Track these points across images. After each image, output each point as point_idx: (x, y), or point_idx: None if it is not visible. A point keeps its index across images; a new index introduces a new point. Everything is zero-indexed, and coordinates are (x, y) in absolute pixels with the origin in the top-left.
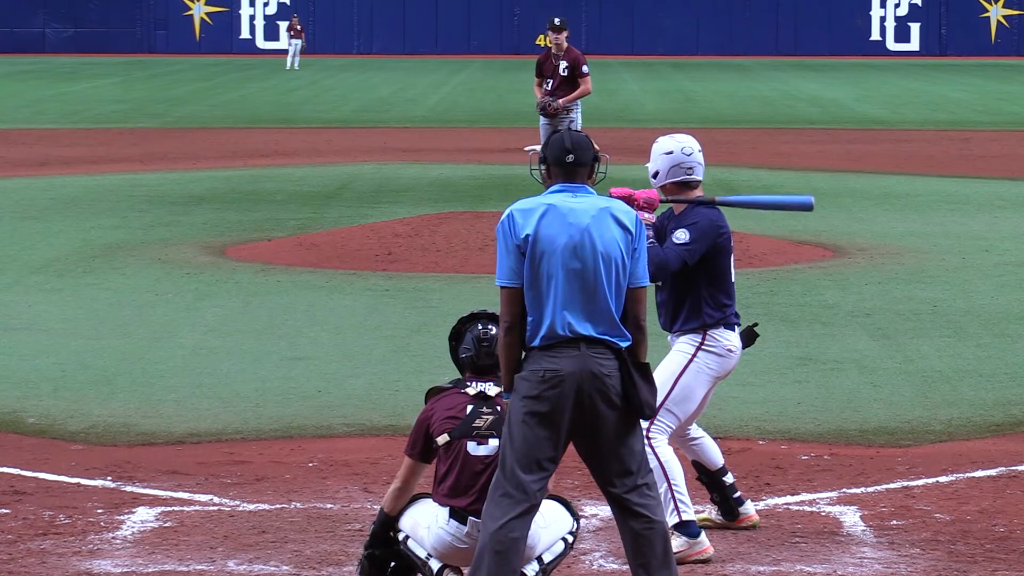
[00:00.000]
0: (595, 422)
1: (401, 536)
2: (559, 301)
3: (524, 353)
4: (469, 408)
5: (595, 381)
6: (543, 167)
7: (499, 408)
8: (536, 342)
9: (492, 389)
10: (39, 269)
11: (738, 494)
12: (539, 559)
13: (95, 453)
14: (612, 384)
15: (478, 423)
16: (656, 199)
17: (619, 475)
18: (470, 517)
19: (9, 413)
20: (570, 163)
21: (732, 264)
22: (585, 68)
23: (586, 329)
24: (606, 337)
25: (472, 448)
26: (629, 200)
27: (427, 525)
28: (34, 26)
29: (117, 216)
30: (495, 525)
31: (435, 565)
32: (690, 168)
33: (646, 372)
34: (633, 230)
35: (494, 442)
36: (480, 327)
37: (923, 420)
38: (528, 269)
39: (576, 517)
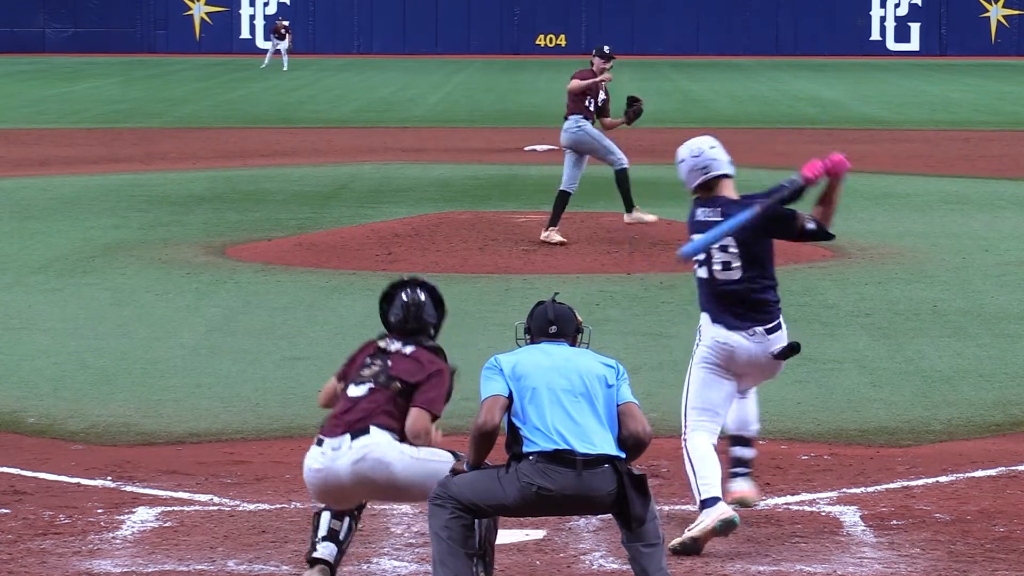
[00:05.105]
0: (578, 514)
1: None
2: (550, 415)
3: (518, 452)
4: (367, 359)
5: (587, 499)
6: (528, 336)
7: (389, 363)
8: (531, 449)
9: (394, 345)
10: (39, 269)
11: (736, 469)
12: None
13: (95, 453)
14: (605, 501)
15: (364, 371)
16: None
17: None
18: (326, 439)
19: (9, 413)
20: (552, 334)
21: (696, 266)
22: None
23: (582, 446)
24: (604, 452)
25: (350, 390)
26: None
27: None
28: (34, 26)
29: (117, 216)
30: (440, 522)
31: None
32: (704, 168)
33: (642, 485)
34: (615, 367)
35: (368, 385)
36: (410, 292)
37: (923, 420)
38: (516, 386)
39: None
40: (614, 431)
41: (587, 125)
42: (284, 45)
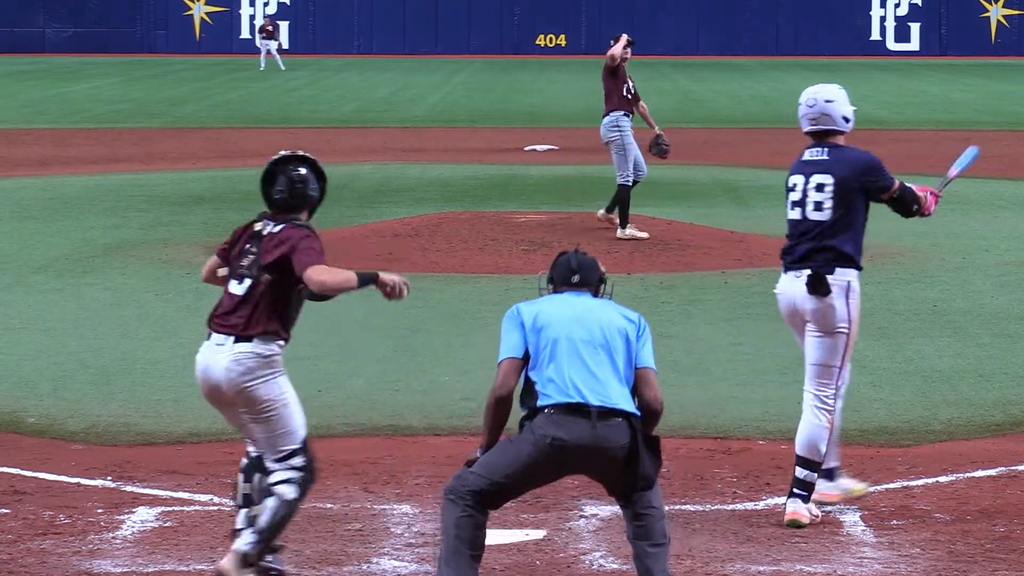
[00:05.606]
0: (592, 474)
1: None
2: (568, 366)
3: (533, 406)
4: (246, 245)
5: (601, 452)
6: (550, 286)
7: (261, 249)
8: (546, 402)
9: (267, 228)
10: (39, 269)
11: (796, 490)
12: (255, 528)
13: (95, 453)
14: (618, 455)
15: (243, 262)
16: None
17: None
18: (213, 334)
19: (9, 413)
20: (575, 283)
21: (790, 207)
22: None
23: (597, 399)
24: (618, 406)
25: (232, 286)
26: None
27: None
28: (34, 26)
29: (117, 216)
30: (452, 519)
31: None
32: (814, 119)
33: (655, 446)
34: (636, 322)
35: (247, 281)
36: (293, 169)
37: (923, 420)
38: (535, 339)
39: (311, 470)
40: (631, 386)
41: (627, 127)
42: (274, 45)
